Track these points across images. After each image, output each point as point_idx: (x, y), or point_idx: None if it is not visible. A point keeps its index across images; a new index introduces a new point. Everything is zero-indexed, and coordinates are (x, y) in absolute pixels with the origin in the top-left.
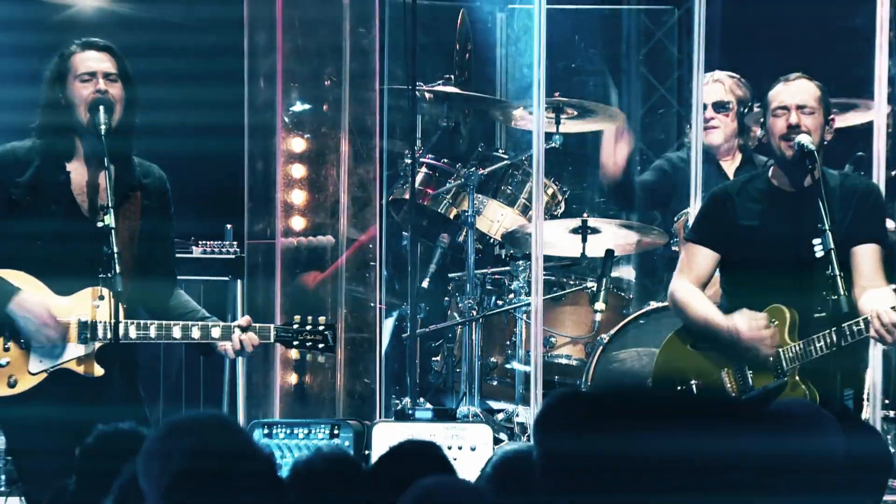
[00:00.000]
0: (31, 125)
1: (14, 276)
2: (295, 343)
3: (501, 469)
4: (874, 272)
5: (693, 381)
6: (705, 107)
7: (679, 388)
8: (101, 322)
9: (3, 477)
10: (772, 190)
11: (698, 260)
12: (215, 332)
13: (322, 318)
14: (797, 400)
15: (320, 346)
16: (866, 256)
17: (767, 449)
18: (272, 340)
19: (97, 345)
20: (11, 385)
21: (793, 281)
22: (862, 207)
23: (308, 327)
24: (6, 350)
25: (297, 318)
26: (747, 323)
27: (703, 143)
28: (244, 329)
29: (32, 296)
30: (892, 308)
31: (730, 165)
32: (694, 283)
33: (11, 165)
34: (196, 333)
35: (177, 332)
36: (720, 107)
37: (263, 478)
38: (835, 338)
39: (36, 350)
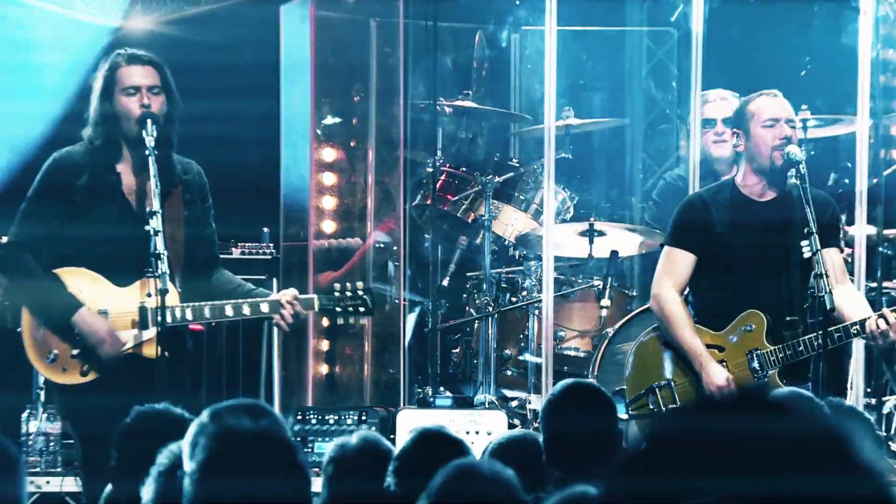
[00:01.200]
0: (82, 133)
1: (75, 273)
2: (338, 310)
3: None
4: (841, 272)
5: (675, 379)
6: (715, 122)
7: (659, 382)
8: (159, 308)
9: (59, 458)
10: (742, 199)
11: (679, 263)
12: (264, 308)
13: (360, 283)
14: (790, 390)
15: (360, 309)
16: (834, 260)
17: (769, 434)
18: (316, 309)
19: (155, 331)
20: (84, 373)
21: (763, 285)
22: (822, 217)
23: (348, 293)
24: (77, 341)
25: (337, 286)
26: (717, 373)
27: (713, 155)
28: (290, 302)
29: (93, 314)
30: (881, 317)
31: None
32: (676, 288)
33: (70, 169)
34: (247, 310)
35: (229, 311)
36: (729, 122)
37: (289, 463)
38: (821, 340)
39: None
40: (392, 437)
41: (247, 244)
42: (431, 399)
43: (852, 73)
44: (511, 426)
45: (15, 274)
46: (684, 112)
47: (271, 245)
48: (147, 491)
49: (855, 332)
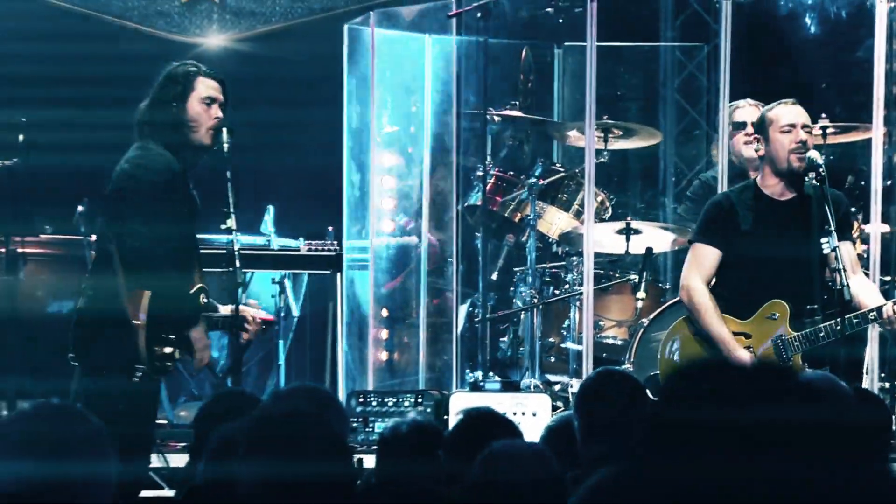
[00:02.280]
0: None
1: None
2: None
3: (552, 434)
4: (854, 264)
5: None
6: (746, 125)
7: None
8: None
9: None
10: (765, 198)
11: (705, 258)
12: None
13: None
14: (815, 373)
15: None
16: (846, 253)
17: (795, 416)
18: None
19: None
20: (167, 371)
21: (785, 277)
22: (837, 213)
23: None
24: (187, 347)
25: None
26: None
27: (744, 155)
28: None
29: (202, 325)
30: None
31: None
32: (703, 280)
33: (167, 170)
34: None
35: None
36: None
37: (332, 444)
38: (840, 325)
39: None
40: (445, 417)
41: (313, 241)
42: (481, 383)
43: (868, 85)
44: (554, 408)
45: (150, 269)
46: (714, 120)
47: (335, 242)
48: (202, 468)
49: (872, 317)
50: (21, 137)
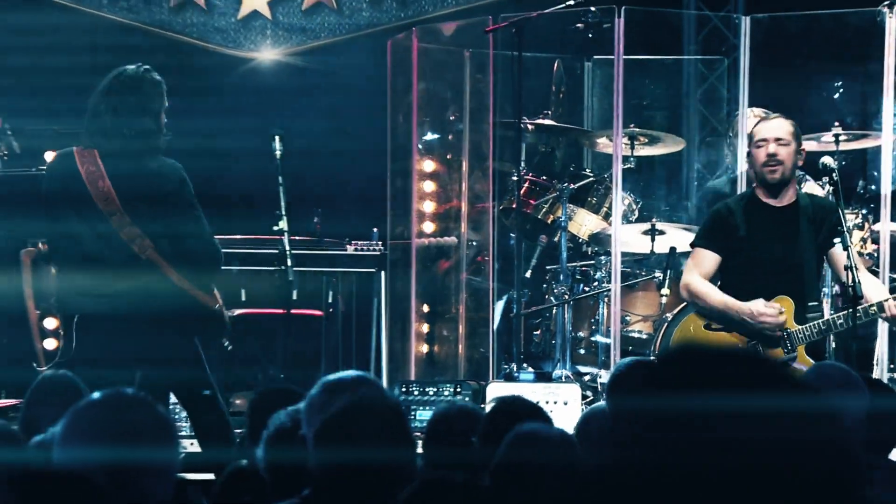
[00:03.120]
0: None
1: None
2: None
3: (585, 423)
4: (859, 262)
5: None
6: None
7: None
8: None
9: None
10: (760, 206)
11: (705, 261)
12: None
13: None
14: (830, 363)
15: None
16: (842, 254)
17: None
18: None
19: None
20: None
21: (785, 277)
22: (832, 219)
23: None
24: None
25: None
26: (764, 308)
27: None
28: None
29: None
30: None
31: None
32: (703, 279)
33: None
34: None
35: None
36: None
37: (394, 429)
38: (843, 319)
39: None
40: (482, 406)
41: (359, 242)
42: (516, 374)
43: (878, 96)
44: (584, 398)
45: (220, 265)
46: (731, 126)
47: (380, 243)
48: (260, 453)
49: (873, 312)
50: None
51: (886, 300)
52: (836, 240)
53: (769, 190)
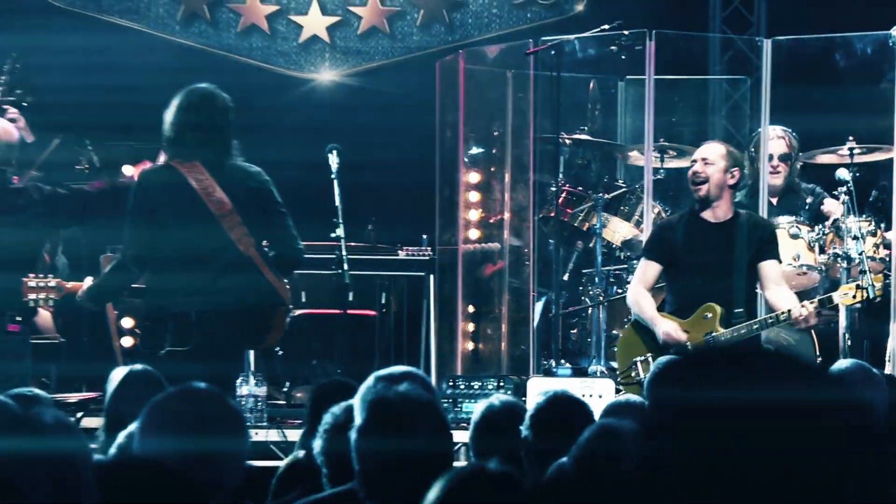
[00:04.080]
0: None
1: None
2: None
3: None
4: (779, 278)
5: (650, 354)
6: (772, 157)
7: (639, 358)
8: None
9: (265, 415)
10: (700, 220)
11: (649, 271)
12: None
13: None
14: (851, 360)
15: None
16: (772, 268)
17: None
18: None
19: None
20: None
21: (717, 286)
22: (763, 237)
23: None
24: None
25: None
26: (673, 332)
27: (768, 184)
28: None
29: None
30: (803, 307)
31: (774, 198)
32: (645, 288)
33: None
34: None
35: None
36: (785, 157)
37: (435, 420)
38: (758, 325)
39: None
40: (524, 399)
41: (409, 247)
42: (554, 369)
43: (890, 111)
44: (617, 391)
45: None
46: (753, 142)
47: (429, 248)
48: (317, 444)
49: (783, 318)
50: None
51: (793, 308)
52: (852, 244)
53: (702, 205)
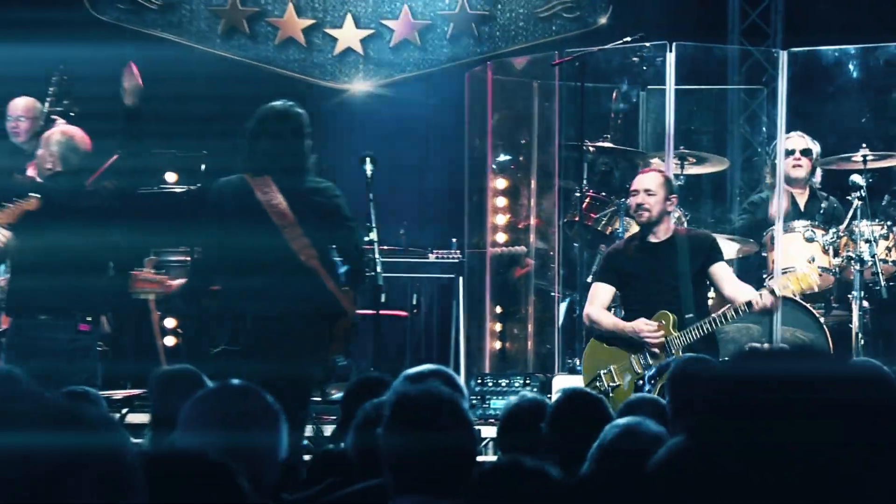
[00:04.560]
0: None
1: None
2: None
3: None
4: (731, 276)
5: (612, 366)
6: (794, 151)
7: (602, 370)
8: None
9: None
10: (644, 242)
11: (602, 293)
12: None
13: None
14: (863, 359)
15: None
16: (722, 269)
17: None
18: None
19: None
20: None
21: (666, 297)
22: (704, 247)
23: None
24: None
25: None
26: (644, 325)
27: (791, 176)
28: None
29: None
30: (761, 295)
31: (801, 196)
32: (600, 307)
33: None
34: None
35: None
36: (805, 152)
37: (456, 416)
38: (715, 323)
39: None
40: (549, 396)
41: (439, 251)
42: (578, 367)
43: None
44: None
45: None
46: (771, 150)
47: (458, 251)
48: (348, 439)
49: (743, 310)
50: (203, 166)
51: (753, 298)
52: (865, 247)
53: (645, 230)
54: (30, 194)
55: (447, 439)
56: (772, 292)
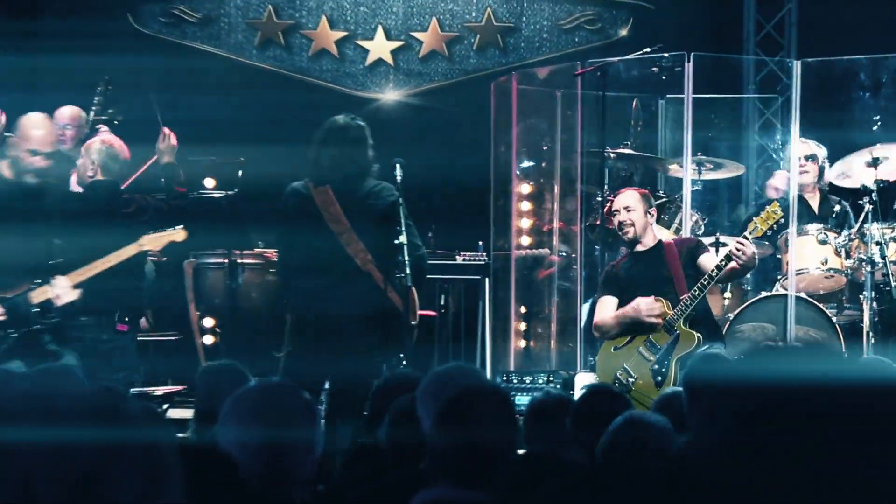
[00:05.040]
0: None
1: None
2: None
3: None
4: (712, 257)
5: (624, 364)
6: (799, 158)
7: (617, 372)
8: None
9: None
10: (635, 252)
11: (606, 304)
12: None
13: None
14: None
15: None
16: (709, 258)
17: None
18: None
19: None
20: None
21: (657, 291)
22: (691, 245)
23: None
24: None
25: None
26: (644, 302)
27: (800, 182)
28: None
29: None
30: (738, 242)
31: (812, 198)
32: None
33: None
34: None
35: None
36: (810, 158)
37: (500, 413)
38: (699, 289)
39: None
40: (571, 392)
41: (466, 253)
42: None
43: None
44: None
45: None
46: (783, 155)
47: (484, 254)
48: (381, 434)
49: (724, 263)
50: (240, 173)
51: (727, 252)
52: (875, 250)
53: (633, 243)
54: (177, 227)
55: (496, 434)
56: (744, 238)
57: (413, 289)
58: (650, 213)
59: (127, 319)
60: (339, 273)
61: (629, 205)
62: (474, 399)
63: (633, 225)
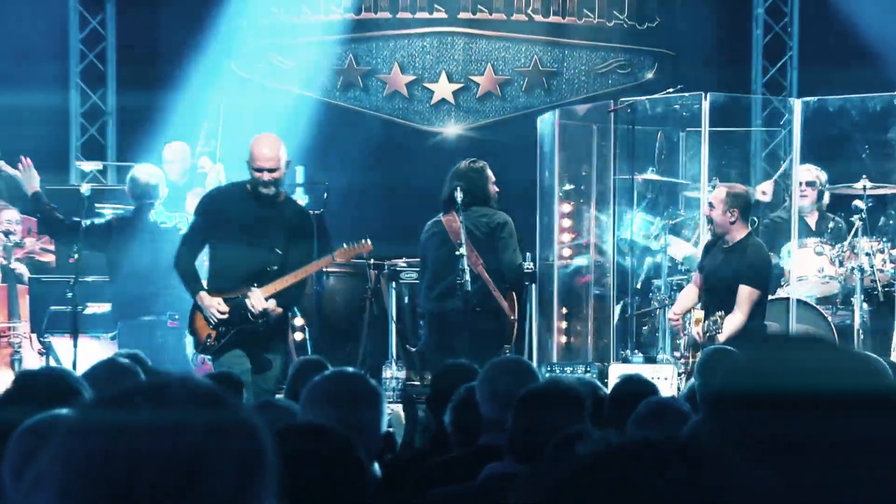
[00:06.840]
0: None
1: None
2: None
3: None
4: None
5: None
6: (801, 183)
7: (711, 317)
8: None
9: (404, 393)
10: (714, 241)
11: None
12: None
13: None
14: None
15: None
16: (745, 289)
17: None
18: None
19: None
20: None
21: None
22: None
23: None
24: None
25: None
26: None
27: (799, 206)
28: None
29: None
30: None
31: (810, 218)
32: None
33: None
34: None
35: None
36: (810, 184)
37: (572, 408)
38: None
39: None
40: (605, 381)
41: None
42: (630, 357)
43: (894, 156)
44: (679, 375)
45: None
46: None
47: (531, 263)
48: (447, 417)
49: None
50: (325, 195)
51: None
52: (879, 264)
53: (717, 235)
54: (363, 240)
55: (564, 423)
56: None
57: (513, 292)
58: (731, 214)
59: (177, 317)
60: (460, 280)
61: (712, 201)
62: (549, 394)
63: (712, 221)
